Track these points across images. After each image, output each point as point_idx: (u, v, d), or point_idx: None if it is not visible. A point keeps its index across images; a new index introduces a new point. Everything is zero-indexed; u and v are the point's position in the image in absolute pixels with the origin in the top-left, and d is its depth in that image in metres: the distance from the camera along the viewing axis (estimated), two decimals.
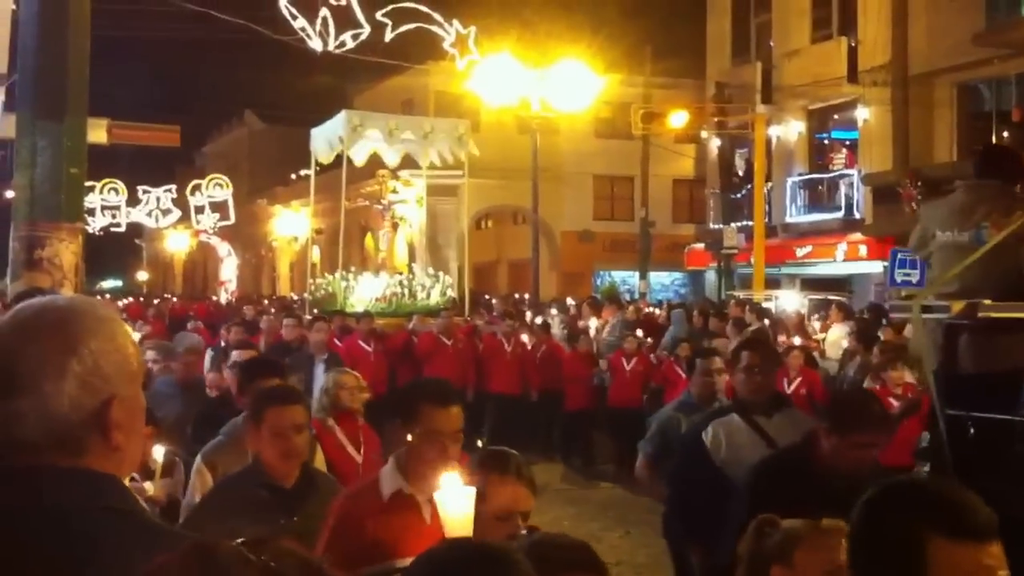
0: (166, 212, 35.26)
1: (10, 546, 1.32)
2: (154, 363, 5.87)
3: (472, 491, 2.34)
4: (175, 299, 29.59)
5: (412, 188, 19.50)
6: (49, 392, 1.40)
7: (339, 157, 14.82)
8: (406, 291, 13.95)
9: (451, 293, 14.53)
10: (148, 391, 5.79)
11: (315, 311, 13.71)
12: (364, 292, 13.80)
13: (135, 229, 39.36)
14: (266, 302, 22.96)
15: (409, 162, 16.36)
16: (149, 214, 35.26)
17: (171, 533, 1.48)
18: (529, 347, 12.47)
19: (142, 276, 49.61)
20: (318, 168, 16.34)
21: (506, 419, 11.30)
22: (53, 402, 1.40)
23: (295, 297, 27.82)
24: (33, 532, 1.34)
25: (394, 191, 15.12)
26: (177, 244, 42.83)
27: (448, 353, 11.70)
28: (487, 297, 19.69)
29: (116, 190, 33.99)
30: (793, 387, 9.21)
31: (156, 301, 24.63)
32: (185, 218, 35.15)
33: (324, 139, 14.99)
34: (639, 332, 13.90)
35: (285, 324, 10.05)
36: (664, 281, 29.60)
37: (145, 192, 35.09)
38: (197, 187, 34.07)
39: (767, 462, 3.58)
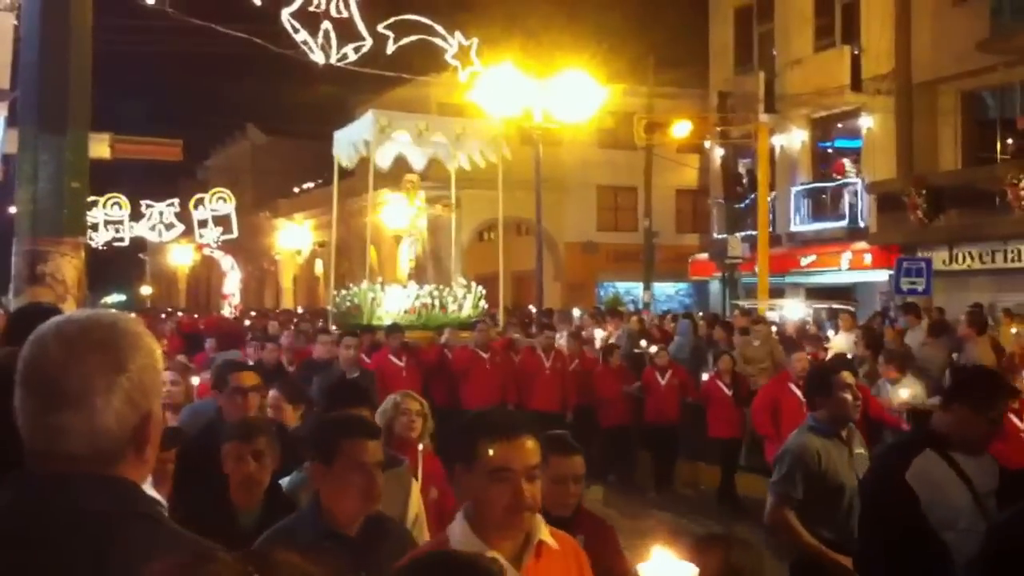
0: (169, 226, 35.34)
1: (52, 549, 1.39)
2: (174, 385, 5.68)
3: (693, 572, 1.93)
4: (179, 313, 29.59)
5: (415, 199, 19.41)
6: (99, 408, 1.46)
7: (349, 167, 14.22)
8: (437, 303, 13.20)
9: (484, 305, 13.82)
10: (187, 413, 5.50)
11: (333, 325, 13.07)
12: (392, 304, 13.04)
13: (138, 243, 39.43)
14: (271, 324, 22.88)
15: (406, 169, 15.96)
16: (152, 228, 35.33)
17: (196, 540, 1.54)
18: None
19: (146, 291, 49.71)
20: (321, 180, 16.14)
21: None
22: (102, 418, 1.46)
23: (301, 310, 27.81)
24: (75, 536, 1.40)
25: (414, 197, 14.32)
26: (180, 258, 42.91)
27: (485, 368, 11.14)
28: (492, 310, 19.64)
29: (119, 205, 34.09)
30: None
31: (163, 315, 24.62)
32: (188, 232, 35.22)
33: (348, 142, 14.19)
34: (643, 343, 13.87)
35: (320, 341, 9.48)
36: (668, 291, 29.58)
37: (148, 206, 35.18)
38: (200, 201, 34.14)
39: (1008, 532, 2.78)
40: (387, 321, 12.29)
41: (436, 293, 13.37)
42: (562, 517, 3.30)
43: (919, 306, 13.24)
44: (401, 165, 15.26)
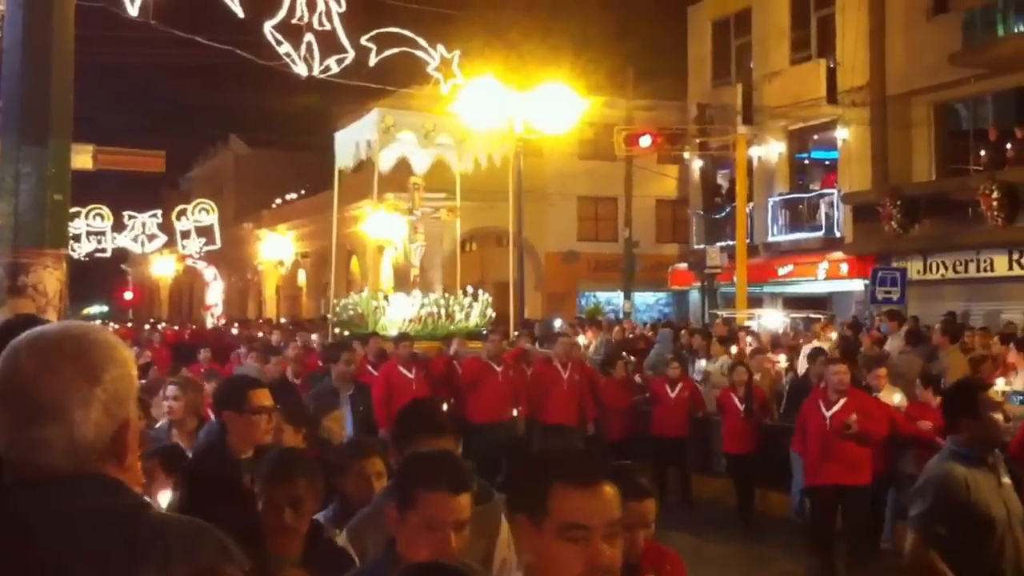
0: (152, 237, 35.26)
1: (42, 551, 1.41)
2: (175, 400, 5.39)
3: None
4: (162, 325, 29.51)
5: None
6: (78, 421, 1.46)
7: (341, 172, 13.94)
8: (443, 312, 12.75)
9: (492, 313, 13.41)
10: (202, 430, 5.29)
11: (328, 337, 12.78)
12: (396, 313, 12.55)
13: (120, 254, 39.26)
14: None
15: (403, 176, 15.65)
16: (135, 239, 35.24)
17: (190, 522, 1.58)
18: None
19: (128, 296, 49.46)
20: (304, 191, 16.05)
21: None
22: (80, 430, 1.46)
23: (284, 320, 27.78)
24: (62, 536, 1.42)
25: (407, 211, 13.95)
26: (163, 269, 42.75)
27: (497, 380, 10.60)
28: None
29: (101, 216, 33.97)
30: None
31: (147, 327, 24.53)
32: (171, 243, 35.13)
33: (350, 143, 13.74)
34: (624, 353, 13.99)
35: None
36: (648, 301, 29.75)
37: (131, 217, 35.09)
38: (183, 212, 34.10)
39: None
40: (392, 330, 11.79)
41: (442, 302, 12.97)
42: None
43: (902, 314, 13.44)
44: (396, 172, 15.10)
